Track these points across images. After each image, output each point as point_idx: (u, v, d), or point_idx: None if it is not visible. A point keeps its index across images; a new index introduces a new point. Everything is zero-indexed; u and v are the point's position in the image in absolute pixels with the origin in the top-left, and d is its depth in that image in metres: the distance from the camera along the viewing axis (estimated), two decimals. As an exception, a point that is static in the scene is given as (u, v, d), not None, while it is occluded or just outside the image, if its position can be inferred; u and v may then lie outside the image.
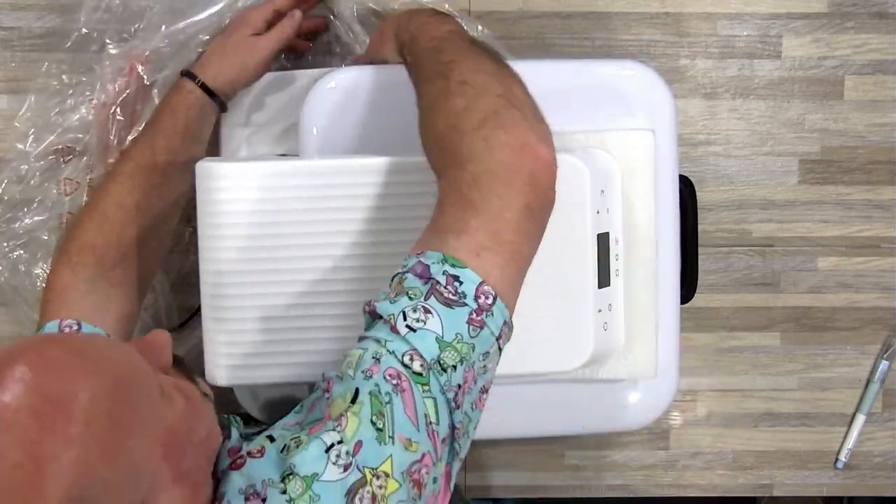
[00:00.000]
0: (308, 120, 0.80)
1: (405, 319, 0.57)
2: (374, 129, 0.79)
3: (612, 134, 0.78)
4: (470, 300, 0.57)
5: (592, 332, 0.75)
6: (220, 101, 0.87)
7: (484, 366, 0.59)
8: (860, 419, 1.03)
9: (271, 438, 0.57)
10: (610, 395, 0.84)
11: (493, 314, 0.58)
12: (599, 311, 0.76)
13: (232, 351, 0.74)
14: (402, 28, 0.75)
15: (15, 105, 0.95)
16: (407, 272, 0.59)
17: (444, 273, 0.58)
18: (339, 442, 0.53)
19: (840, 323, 1.03)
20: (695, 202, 0.90)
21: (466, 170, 0.60)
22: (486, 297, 0.58)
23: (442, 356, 0.56)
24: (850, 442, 1.03)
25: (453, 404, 0.57)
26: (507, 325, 0.60)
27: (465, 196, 0.60)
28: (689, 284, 0.89)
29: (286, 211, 0.73)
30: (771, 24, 0.98)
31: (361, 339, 0.59)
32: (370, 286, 0.72)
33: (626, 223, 0.78)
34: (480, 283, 0.58)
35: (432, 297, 0.57)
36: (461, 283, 0.58)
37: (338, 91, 0.80)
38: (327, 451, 0.53)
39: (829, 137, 1.00)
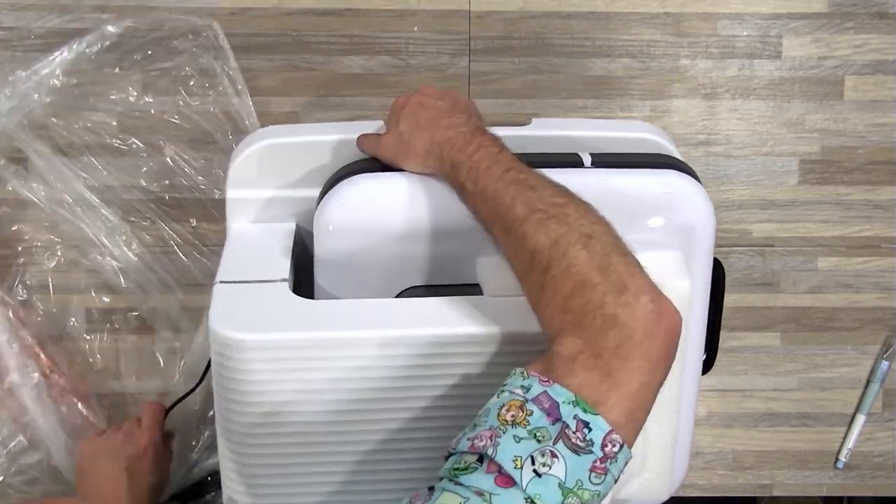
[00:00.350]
0: (323, 234, 0.74)
1: (533, 464, 0.55)
2: (396, 245, 0.74)
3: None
4: (597, 448, 0.56)
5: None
6: None
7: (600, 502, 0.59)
8: (860, 419, 1.03)
9: None
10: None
11: (617, 461, 0.57)
12: None
13: None
14: (443, 144, 0.71)
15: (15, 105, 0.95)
16: (531, 401, 0.57)
17: (574, 417, 0.56)
18: None
19: (840, 323, 1.03)
20: (723, 282, 0.86)
21: (608, 336, 0.58)
22: (613, 445, 0.57)
23: (565, 502, 0.55)
24: (850, 442, 1.03)
25: None
26: (627, 462, 0.59)
27: (606, 363, 0.58)
28: (709, 355, 0.86)
29: (310, 379, 0.68)
30: (771, 24, 0.98)
31: (457, 483, 0.56)
32: (398, 457, 0.70)
33: None
34: (609, 432, 0.57)
35: (560, 441, 0.56)
36: (590, 429, 0.56)
37: (356, 202, 0.74)
38: None
39: (829, 137, 1.00)
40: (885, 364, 1.03)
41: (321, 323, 0.69)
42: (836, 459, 1.04)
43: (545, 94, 0.98)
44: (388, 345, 0.67)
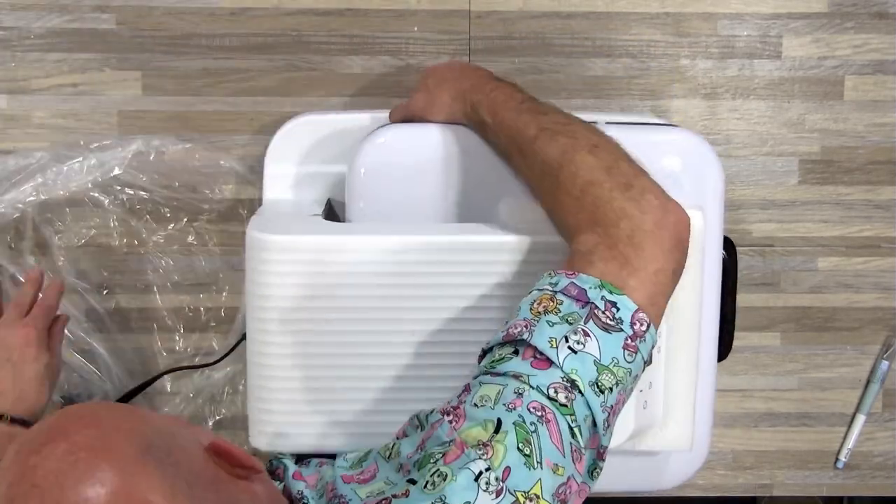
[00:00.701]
0: (356, 176, 0.79)
1: (567, 342, 0.58)
2: (423, 188, 0.79)
3: None
4: (626, 327, 0.60)
5: (633, 412, 0.75)
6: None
7: (632, 388, 0.62)
8: (860, 419, 1.03)
9: (412, 482, 0.57)
10: (642, 458, 0.84)
11: (645, 340, 0.61)
12: (640, 390, 0.76)
13: (275, 419, 0.75)
14: (466, 90, 0.76)
15: (15, 105, 0.95)
16: (559, 293, 0.61)
17: (602, 298, 0.60)
18: (488, 469, 0.54)
19: (840, 323, 1.03)
20: (735, 263, 0.90)
21: (620, 227, 0.62)
22: (641, 324, 0.60)
23: (599, 378, 0.58)
24: (851, 442, 1.03)
25: (604, 426, 0.59)
26: (655, 347, 0.63)
27: (621, 252, 0.61)
28: (725, 343, 0.89)
29: (337, 284, 0.72)
30: (771, 24, 0.98)
31: (494, 374, 0.59)
32: (419, 361, 0.74)
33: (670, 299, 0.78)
34: (636, 310, 0.60)
35: (591, 321, 0.59)
36: (618, 309, 0.60)
37: (388, 147, 0.79)
38: (476, 479, 0.54)
39: (829, 137, 1.00)
40: (885, 364, 1.02)
41: (346, 231, 0.75)
42: (836, 459, 1.04)
43: (545, 95, 0.97)
44: (407, 250, 0.72)
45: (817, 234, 1.01)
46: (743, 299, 1.02)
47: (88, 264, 0.97)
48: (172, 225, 0.97)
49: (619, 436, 0.76)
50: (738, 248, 1.00)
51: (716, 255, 0.83)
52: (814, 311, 1.02)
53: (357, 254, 0.72)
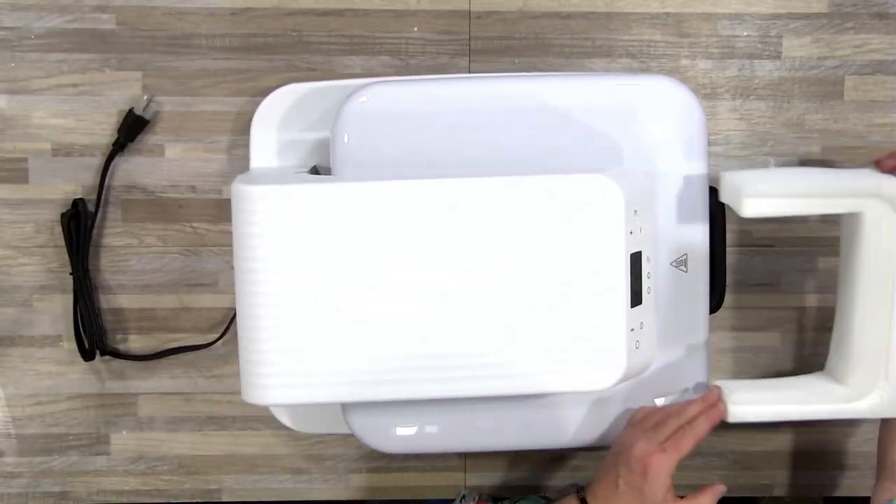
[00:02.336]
0: (340, 135, 0.79)
1: None
2: (410, 147, 0.79)
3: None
4: None
5: (625, 352, 0.76)
6: None
7: None
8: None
9: None
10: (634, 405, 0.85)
11: None
12: (632, 329, 0.76)
13: (266, 371, 0.75)
14: None
15: (15, 105, 0.95)
16: None
17: None
18: None
19: (840, 323, 1.03)
20: (723, 213, 0.90)
21: None
22: None
23: None
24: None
25: None
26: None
27: None
28: (717, 294, 0.90)
29: (324, 234, 0.73)
30: (771, 24, 0.98)
31: None
32: (411, 311, 0.74)
33: (658, 240, 0.79)
34: None
35: None
36: None
37: (371, 106, 0.79)
38: None
39: (830, 137, 1.00)
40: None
41: (334, 181, 0.76)
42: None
43: (545, 95, 0.97)
44: (397, 197, 0.73)
45: (817, 234, 1.01)
46: (743, 299, 1.02)
47: (89, 264, 0.97)
48: (173, 225, 0.98)
49: (610, 377, 0.76)
50: (738, 248, 1.01)
51: (701, 192, 0.84)
52: (814, 312, 1.02)
53: (345, 202, 0.73)
